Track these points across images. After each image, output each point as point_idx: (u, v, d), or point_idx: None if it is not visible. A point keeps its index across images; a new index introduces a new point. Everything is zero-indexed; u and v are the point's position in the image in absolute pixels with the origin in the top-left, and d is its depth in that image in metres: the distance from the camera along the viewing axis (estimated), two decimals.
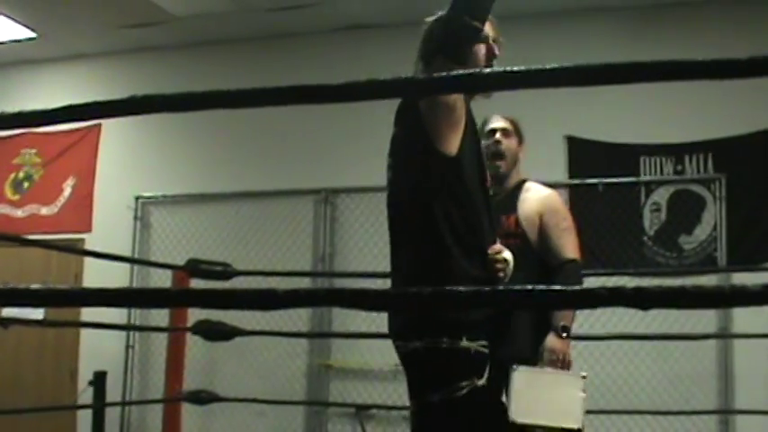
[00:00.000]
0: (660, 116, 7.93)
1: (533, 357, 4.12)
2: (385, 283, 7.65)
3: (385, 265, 8.12)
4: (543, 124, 7.58)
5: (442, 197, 3.15)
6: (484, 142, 4.28)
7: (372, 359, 8.22)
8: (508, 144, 4.61)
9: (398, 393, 8.04)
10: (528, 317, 4.21)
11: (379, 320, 7.54)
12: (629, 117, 8.00)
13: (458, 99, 3.17)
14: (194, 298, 2.08)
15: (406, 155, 3.24)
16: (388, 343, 8.80)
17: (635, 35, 8.02)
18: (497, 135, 4.58)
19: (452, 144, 3.17)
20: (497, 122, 4.61)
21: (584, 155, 8.17)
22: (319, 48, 9.03)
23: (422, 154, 3.16)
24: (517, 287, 1.58)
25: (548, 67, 1.78)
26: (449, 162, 3.16)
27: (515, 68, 1.80)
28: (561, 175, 8.11)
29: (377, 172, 8.35)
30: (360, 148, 8.58)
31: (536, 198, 4.55)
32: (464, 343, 3.08)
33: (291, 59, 9.06)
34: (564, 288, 1.63)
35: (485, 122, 4.53)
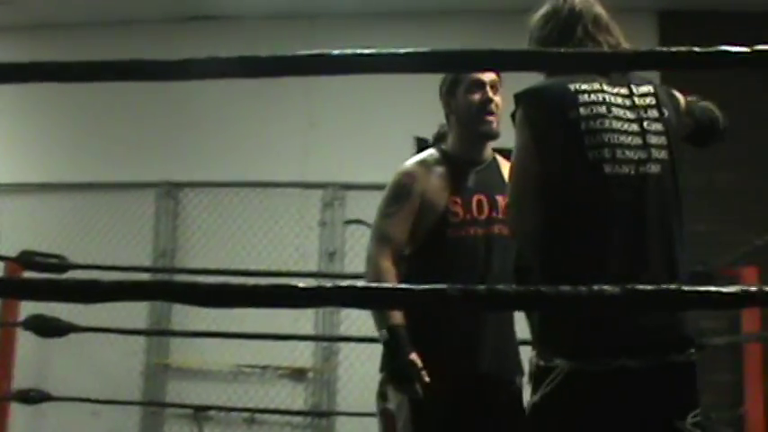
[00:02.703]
0: None
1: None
2: (228, 281, 7.53)
3: (228, 261, 8.10)
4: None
5: None
6: (466, 96, 3.72)
7: (212, 359, 8.09)
8: (497, 101, 3.75)
9: (238, 395, 8.00)
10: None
11: (219, 320, 7.52)
12: None
13: None
14: (10, 288, 1.92)
15: (678, 142, 2.92)
16: (228, 343, 8.68)
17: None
18: (489, 90, 3.71)
19: None
20: (486, 74, 3.70)
21: None
22: (162, 35, 8.81)
23: (681, 145, 2.95)
24: None
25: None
26: None
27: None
28: None
29: (221, 166, 8.35)
30: (205, 141, 8.49)
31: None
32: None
33: (134, 45, 8.81)
34: None
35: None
